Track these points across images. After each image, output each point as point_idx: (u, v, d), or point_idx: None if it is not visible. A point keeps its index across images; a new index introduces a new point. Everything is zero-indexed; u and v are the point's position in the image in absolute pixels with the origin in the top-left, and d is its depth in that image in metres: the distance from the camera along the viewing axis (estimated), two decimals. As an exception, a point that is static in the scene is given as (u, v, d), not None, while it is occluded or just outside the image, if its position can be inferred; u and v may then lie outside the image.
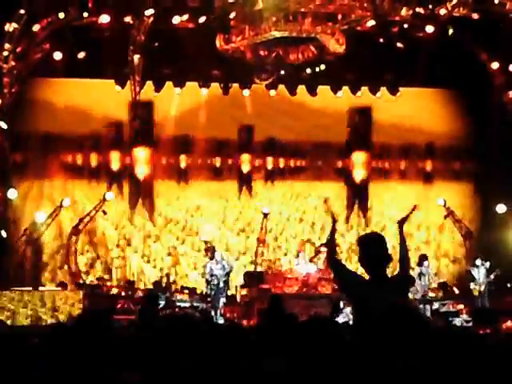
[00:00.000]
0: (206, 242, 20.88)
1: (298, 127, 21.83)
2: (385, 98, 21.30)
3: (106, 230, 21.13)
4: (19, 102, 18.50)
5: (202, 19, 18.33)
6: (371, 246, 6.08)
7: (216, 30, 18.85)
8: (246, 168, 22.12)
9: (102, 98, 20.76)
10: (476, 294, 18.71)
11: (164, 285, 19.38)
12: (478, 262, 18.79)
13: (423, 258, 18.99)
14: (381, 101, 21.40)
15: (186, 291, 19.58)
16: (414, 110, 21.84)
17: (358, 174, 22.39)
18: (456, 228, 21.31)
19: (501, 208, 19.93)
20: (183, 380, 4.25)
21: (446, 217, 21.07)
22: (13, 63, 17.70)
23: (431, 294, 19.25)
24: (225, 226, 22.01)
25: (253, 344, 5.69)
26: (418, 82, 20.24)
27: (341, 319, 16.02)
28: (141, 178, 21.43)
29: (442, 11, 18.37)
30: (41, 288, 18.32)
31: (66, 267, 20.26)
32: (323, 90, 21.01)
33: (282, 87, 20.93)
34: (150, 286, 20.08)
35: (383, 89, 21.19)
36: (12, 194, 18.57)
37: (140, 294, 19.37)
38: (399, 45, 19.48)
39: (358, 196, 22.50)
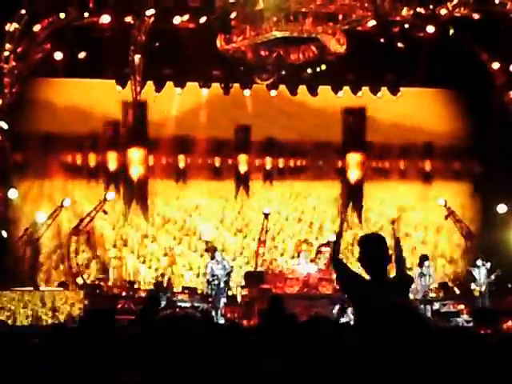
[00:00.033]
0: (206, 242, 20.90)
1: (297, 127, 21.81)
2: (385, 98, 21.29)
3: (103, 230, 21.10)
4: (20, 102, 18.50)
5: (203, 19, 18.32)
6: (371, 247, 6.09)
7: (217, 30, 18.85)
8: (244, 168, 22.09)
9: (102, 98, 20.76)
10: (477, 294, 18.71)
11: (165, 285, 19.36)
12: (479, 262, 18.78)
13: (424, 259, 18.99)
14: (381, 101, 21.38)
15: (187, 291, 19.59)
16: (414, 109, 21.83)
17: (353, 175, 22.36)
18: (457, 228, 21.30)
19: (502, 208, 19.92)
20: (183, 380, 4.25)
21: (446, 217, 21.05)
22: (13, 63, 17.69)
23: (432, 295, 19.25)
24: (223, 226, 21.98)
25: (253, 344, 5.68)
26: (418, 81, 20.23)
27: (342, 320, 16.04)
28: (135, 179, 21.37)
29: (443, 11, 18.36)
30: (42, 288, 18.33)
31: (66, 267, 20.23)
32: (324, 90, 21.01)
33: (282, 87, 20.92)
34: (147, 287, 20.10)
35: (384, 89, 21.18)
36: (12, 193, 18.57)
37: (141, 294, 19.38)
38: (400, 45, 19.48)
39: (353, 196, 22.46)
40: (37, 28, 17.71)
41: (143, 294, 19.13)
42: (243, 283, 19.73)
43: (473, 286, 18.86)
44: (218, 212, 21.95)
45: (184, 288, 19.97)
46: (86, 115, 20.70)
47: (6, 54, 17.60)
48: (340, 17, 18.42)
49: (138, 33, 18.13)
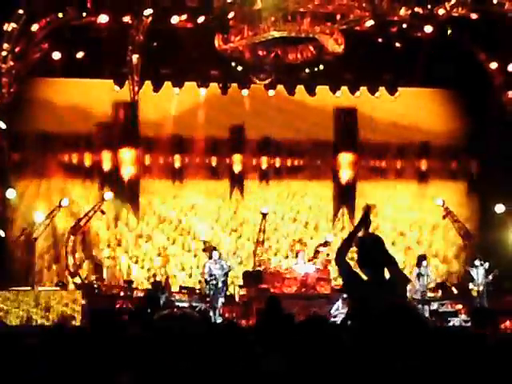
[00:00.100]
0: (204, 242, 20.89)
1: (294, 127, 21.79)
2: (383, 98, 21.30)
3: (97, 230, 21.07)
4: (18, 102, 18.49)
5: (201, 19, 18.33)
6: (370, 247, 6.09)
7: (215, 30, 18.84)
8: (238, 168, 22.04)
9: (100, 98, 20.76)
10: (475, 294, 18.71)
11: (163, 285, 19.36)
12: (477, 262, 18.78)
13: (422, 259, 19.00)
14: (379, 100, 21.39)
15: (185, 291, 19.59)
16: (412, 109, 21.84)
17: (345, 174, 22.33)
18: (455, 228, 21.30)
19: (500, 208, 19.91)
20: (182, 380, 4.24)
21: (444, 217, 21.05)
22: (11, 63, 17.69)
23: (430, 294, 19.26)
24: (218, 226, 21.95)
25: (251, 344, 5.68)
26: (416, 81, 20.25)
27: (339, 319, 16.03)
28: (126, 179, 21.32)
29: (441, 11, 18.37)
30: (40, 288, 18.31)
31: (64, 267, 20.21)
32: (322, 89, 21.01)
33: (280, 87, 20.92)
34: (139, 287, 20.10)
35: (382, 89, 21.18)
36: (11, 193, 18.55)
37: (139, 293, 19.37)
38: (398, 45, 19.49)
39: (347, 196, 22.43)
40: (35, 28, 17.70)
41: (141, 294, 19.14)
42: (240, 283, 19.75)
43: (471, 285, 18.86)
44: (213, 212, 21.92)
45: (182, 288, 19.97)
46: (84, 115, 20.69)
47: (4, 53, 17.59)
48: (338, 17, 18.44)
49: (136, 32, 18.14)
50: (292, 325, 7.03)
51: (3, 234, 18.50)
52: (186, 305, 18.34)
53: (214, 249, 19.11)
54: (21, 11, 17.43)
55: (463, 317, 18.44)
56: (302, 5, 18.14)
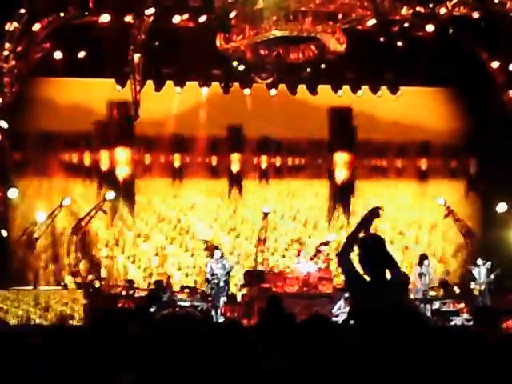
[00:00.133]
0: (206, 242, 20.90)
1: (294, 126, 21.76)
2: (385, 97, 21.28)
3: (96, 230, 21.06)
4: (20, 102, 18.48)
5: (203, 18, 18.33)
6: (371, 248, 6.09)
7: (216, 30, 18.84)
8: (236, 167, 22.03)
9: (102, 97, 20.77)
10: (477, 293, 18.71)
11: (164, 284, 19.36)
12: (479, 261, 18.79)
13: (423, 258, 19.00)
14: (381, 99, 21.37)
15: (187, 290, 19.59)
16: (413, 108, 21.82)
17: (341, 174, 22.31)
18: (456, 227, 21.30)
19: (501, 207, 19.90)
20: (184, 379, 4.24)
21: (446, 216, 21.05)
22: (13, 62, 17.68)
23: (432, 293, 19.25)
24: (217, 225, 21.91)
25: (253, 343, 5.68)
26: (418, 80, 20.24)
27: (341, 319, 16.04)
28: (120, 178, 21.30)
29: (443, 10, 18.36)
30: (42, 288, 18.31)
31: (66, 266, 20.22)
32: (324, 89, 20.99)
33: (282, 86, 20.90)
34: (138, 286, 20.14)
35: (384, 88, 21.16)
36: (13, 193, 18.55)
37: (140, 293, 19.38)
38: (399, 44, 19.47)
39: (344, 195, 22.42)
40: (36, 27, 17.70)
41: (142, 294, 19.15)
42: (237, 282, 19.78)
43: (473, 284, 18.86)
44: (212, 211, 21.88)
45: (183, 287, 19.97)
46: (85, 114, 20.70)
47: (6, 53, 17.58)
48: (340, 16, 18.44)
49: (137, 32, 18.13)
50: (293, 324, 7.03)
51: (6, 234, 18.49)
52: (187, 304, 18.35)
53: (217, 248, 19.13)
54: (22, 11, 17.43)
55: (465, 316, 18.43)
56: (303, 4, 18.13)
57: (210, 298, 18.48)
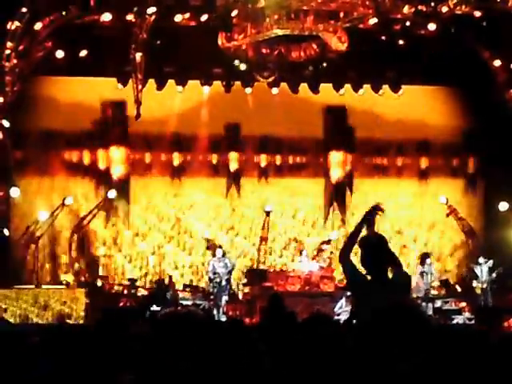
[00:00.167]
0: (207, 240, 20.91)
1: (294, 124, 21.73)
2: (387, 96, 21.27)
3: (95, 228, 21.05)
4: (21, 100, 18.49)
5: (204, 17, 18.32)
6: (373, 247, 6.09)
7: (218, 28, 18.84)
8: (235, 165, 22.01)
9: (104, 96, 20.78)
10: (478, 292, 18.72)
11: (166, 283, 19.37)
12: (481, 259, 18.79)
13: (425, 257, 19.02)
14: (383, 98, 21.35)
15: (189, 289, 19.61)
16: (415, 107, 21.81)
17: (336, 173, 22.27)
18: (458, 226, 21.29)
19: (503, 206, 19.90)
20: (186, 378, 4.25)
21: (448, 214, 21.05)
22: (15, 61, 17.69)
23: (434, 292, 19.26)
24: (216, 224, 21.88)
25: (255, 342, 5.69)
26: (419, 79, 20.24)
27: (343, 317, 16.05)
28: (115, 178, 21.27)
29: (444, 9, 18.35)
30: (44, 286, 18.32)
31: (68, 265, 20.24)
32: (325, 87, 20.98)
33: (284, 85, 20.89)
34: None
35: (385, 86, 21.15)
36: (15, 192, 18.56)
37: (142, 292, 19.39)
38: (401, 42, 19.45)
39: (341, 194, 22.40)
40: (38, 26, 17.71)
41: (144, 292, 19.17)
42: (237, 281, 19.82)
43: (475, 283, 18.86)
44: (211, 209, 21.85)
45: (185, 286, 19.98)
46: (87, 113, 20.71)
47: (8, 52, 17.59)
48: (341, 14, 18.44)
49: (139, 31, 18.12)
50: (294, 323, 7.04)
51: (7, 233, 18.50)
52: (189, 303, 18.37)
53: (220, 247, 19.15)
54: (24, 10, 17.43)
55: (467, 315, 18.45)
56: (305, 3, 18.13)
57: (212, 297, 18.49)
